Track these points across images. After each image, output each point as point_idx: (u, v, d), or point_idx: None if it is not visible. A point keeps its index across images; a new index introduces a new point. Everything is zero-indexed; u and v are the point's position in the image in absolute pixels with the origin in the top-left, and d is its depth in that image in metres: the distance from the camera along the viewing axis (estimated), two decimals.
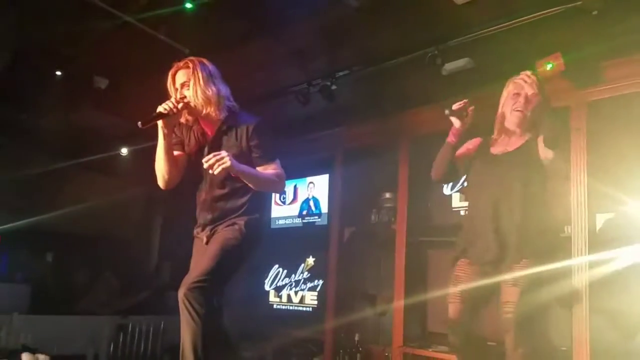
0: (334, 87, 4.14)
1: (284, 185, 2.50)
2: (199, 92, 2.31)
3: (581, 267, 3.25)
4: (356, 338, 4.46)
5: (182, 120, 2.40)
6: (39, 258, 5.80)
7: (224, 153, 2.16)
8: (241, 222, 2.36)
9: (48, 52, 4.33)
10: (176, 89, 2.37)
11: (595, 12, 2.90)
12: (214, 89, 2.35)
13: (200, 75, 2.33)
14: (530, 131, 2.48)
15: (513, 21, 3.25)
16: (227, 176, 2.32)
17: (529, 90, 2.37)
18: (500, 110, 2.56)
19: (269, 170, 2.37)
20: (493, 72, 3.66)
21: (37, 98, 4.78)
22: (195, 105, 2.32)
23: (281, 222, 5.71)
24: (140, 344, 5.17)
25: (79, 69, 4.58)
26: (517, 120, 2.46)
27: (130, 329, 5.14)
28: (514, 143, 2.48)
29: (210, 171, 2.15)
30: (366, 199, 4.86)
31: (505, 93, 2.56)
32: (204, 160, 2.16)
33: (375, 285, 4.68)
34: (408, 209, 4.37)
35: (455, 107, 2.43)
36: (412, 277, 4.26)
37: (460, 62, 3.59)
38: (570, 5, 2.95)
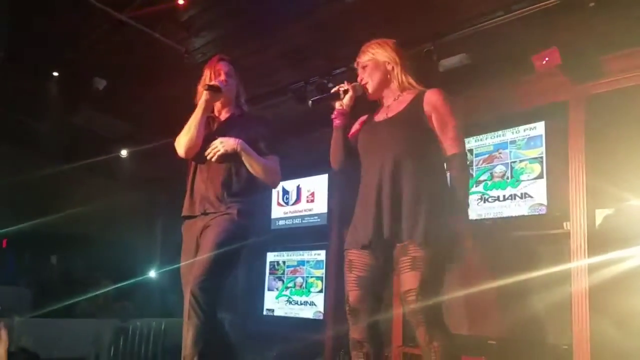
0: (330, 84, 4.11)
1: (278, 180, 2.60)
2: (233, 84, 2.61)
3: (580, 264, 3.20)
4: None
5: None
6: (39, 261, 5.81)
7: (217, 142, 2.43)
8: (234, 211, 2.40)
9: (45, 53, 4.36)
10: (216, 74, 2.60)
11: (592, 4, 2.86)
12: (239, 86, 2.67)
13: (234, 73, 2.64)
14: (410, 90, 2.21)
15: (508, 15, 3.22)
16: (224, 166, 2.45)
17: (361, 60, 2.27)
18: None
19: (272, 160, 2.53)
20: (490, 67, 3.66)
21: (35, 100, 4.80)
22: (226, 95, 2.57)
23: (281, 222, 5.69)
24: (141, 346, 5.16)
25: (76, 70, 4.59)
26: (369, 89, 2.25)
27: (130, 331, 5.12)
28: (395, 108, 2.19)
29: (209, 157, 2.42)
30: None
31: None
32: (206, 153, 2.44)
33: None
34: None
35: (318, 97, 2.34)
36: None
37: (456, 58, 3.56)
38: None
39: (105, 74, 4.60)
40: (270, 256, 5.72)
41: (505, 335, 3.51)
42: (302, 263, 5.37)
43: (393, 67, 2.23)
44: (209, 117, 2.60)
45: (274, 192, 5.84)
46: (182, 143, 2.54)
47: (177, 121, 5.57)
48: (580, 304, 3.13)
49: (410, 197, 2.00)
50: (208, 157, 2.45)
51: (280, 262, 5.60)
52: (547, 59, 3.23)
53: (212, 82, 2.52)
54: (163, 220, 6.74)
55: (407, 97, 2.19)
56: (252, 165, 2.46)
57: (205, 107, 2.51)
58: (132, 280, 5.89)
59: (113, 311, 5.37)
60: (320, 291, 5.10)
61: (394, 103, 2.22)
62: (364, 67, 2.27)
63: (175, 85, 4.73)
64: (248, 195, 2.49)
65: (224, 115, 2.65)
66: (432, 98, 2.11)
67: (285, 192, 5.71)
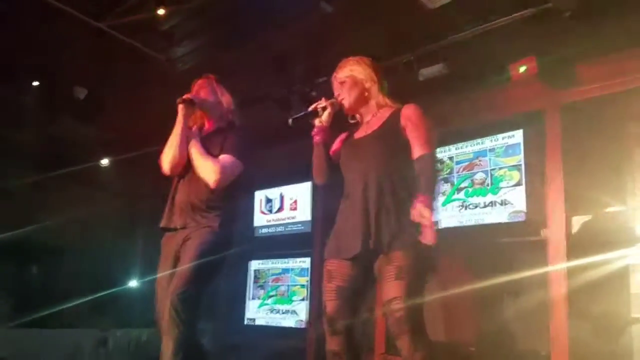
0: (313, 93, 4.13)
1: (217, 180, 2.40)
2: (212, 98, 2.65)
3: (558, 270, 3.24)
4: None
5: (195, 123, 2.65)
6: (19, 271, 5.72)
7: None
8: (215, 224, 2.39)
9: (25, 62, 4.32)
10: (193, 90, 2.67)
11: (567, 14, 2.91)
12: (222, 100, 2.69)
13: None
14: (387, 107, 2.25)
15: (486, 25, 3.26)
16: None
17: (339, 75, 2.28)
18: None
19: (222, 159, 2.44)
20: (468, 76, 3.71)
21: (15, 110, 4.75)
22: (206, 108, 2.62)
23: (264, 230, 5.68)
24: (121, 357, 5.10)
25: (57, 80, 4.56)
26: (346, 105, 2.24)
27: (111, 342, 5.06)
28: (374, 124, 2.22)
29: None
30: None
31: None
32: None
33: None
34: None
35: (297, 116, 2.28)
36: None
37: (436, 68, 3.60)
38: (541, 7, 2.96)
39: (86, 83, 4.57)
40: (254, 264, 5.70)
41: (485, 342, 3.53)
42: (286, 271, 5.36)
43: (370, 86, 2.26)
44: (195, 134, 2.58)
45: (257, 200, 5.84)
46: (165, 160, 2.55)
47: (158, 130, 5.54)
48: (558, 310, 3.17)
49: (394, 209, 2.02)
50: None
51: (264, 270, 5.59)
52: (524, 67, 3.27)
53: (185, 96, 2.52)
54: (144, 230, 6.67)
55: (385, 113, 2.22)
56: (194, 161, 2.45)
57: (182, 121, 2.51)
58: (112, 290, 5.82)
59: (93, 321, 5.30)
60: (303, 299, 5.09)
61: (373, 119, 2.25)
62: (341, 83, 2.28)
63: (156, 94, 4.72)
64: (227, 205, 2.47)
65: (209, 129, 2.65)
66: (407, 111, 2.15)
67: (268, 200, 5.71)
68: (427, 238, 1.89)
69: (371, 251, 2.03)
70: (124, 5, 3.71)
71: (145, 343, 5.20)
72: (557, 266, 3.23)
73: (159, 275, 2.45)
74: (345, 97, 2.25)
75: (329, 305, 2.10)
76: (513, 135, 3.86)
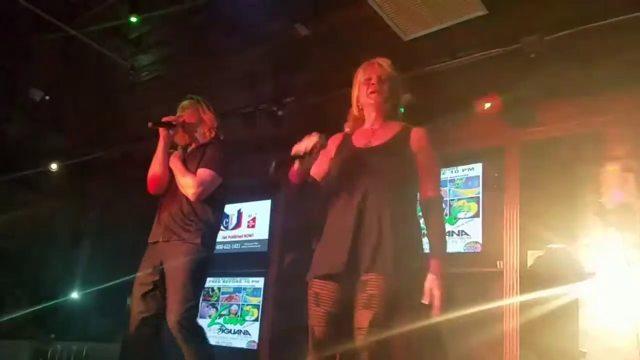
0: (280, 112, 4.14)
1: (196, 192, 2.52)
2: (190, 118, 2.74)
3: (512, 302, 3.33)
4: None
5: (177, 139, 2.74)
6: None
7: None
8: (197, 240, 2.51)
9: None
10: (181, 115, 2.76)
11: (533, 55, 3.04)
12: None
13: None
14: (397, 120, 2.16)
15: (454, 61, 3.37)
16: (183, 195, 2.55)
17: (381, 72, 2.13)
18: (354, 101, 2.25)
19: (199, 173, 2.55)
20: (434, 109, 3.80)
21: None
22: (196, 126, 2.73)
23: (219, 247, 5.57)
24: None
25: (15, 80, 4.38)
26: (373, 101, 2.12)
27: (49, 355, 4.82)
28: (381, 136, 2.09)
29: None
30: (308, 226, 4.83)
31: (356, 82, 2.25)
32: None
33: None
34: None
35: (277, 165, 2.01)
36: None
37: (404, 98, 3.66)
38: (510, 47, 3.08)
39: (44, 85, 4.41)
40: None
41: None
42: (238, 290, 5.26)
43: (399, 94, 2.21)
44: (179, 152, 2.71)
45: None
46: (149, 181, 2.67)
47: (116, 136, 5.39)
48: (511, 339, 3.25)
49: (389, 231, 1.91)
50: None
51: (215, 289, 5.47)
52: (489, 104, 3.39)
53: (164, 119, 2.63)
54: (91, 239, 6.43)
55: (394, 127, 2.11)
56: (176, 178, 2.57)
57: (162, 143, 2.63)
58: (54, 302, 5.56)
59: (32, 332, 5.04)
60: (256, 320, 5.01)
61: (379, 130, 2.12)
62: (382, 79, 2.13)
63: (118, 100, 4.62)
64: (207, 218, 2.57)
65: (191, 147, 2.76)
66: (420, 137, 2.06)
67: (225, 216, 5.61)
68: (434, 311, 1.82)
69: (357, 271, 1.90)
70: (93, 9, 3.62)
71: (86, 357, 4.98)
72: (511, 299, 3.31)
73: (138, 275, 2.59)
74: (381, 93, 2.12)
75: (317, 330, 1.98)
76: (473, 168, 3.97)
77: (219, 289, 5.44)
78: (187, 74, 4.12)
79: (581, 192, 3.60)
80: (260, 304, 5.03)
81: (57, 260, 6.14)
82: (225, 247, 5.52)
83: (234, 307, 5.22)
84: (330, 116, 4.26)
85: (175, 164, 2.60)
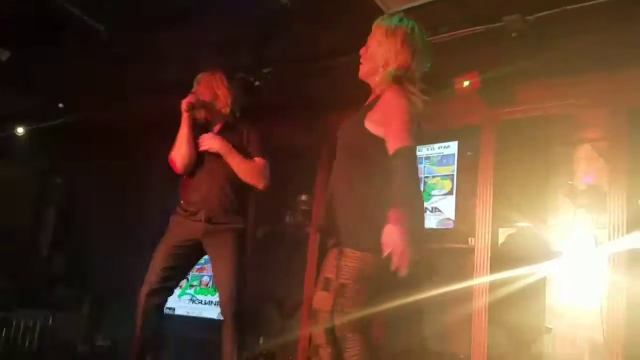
0: (257, 83, 4.05)
1: (264, 182, 2.83)
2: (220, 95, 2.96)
3: (482, 280, 3.39)
4: (260, 342, 4.38)
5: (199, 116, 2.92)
6: None
7: (205, 138, 2.81)
8: (241, 225, 2.81)
9: None
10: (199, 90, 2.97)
11: (514, 34, 3.03)
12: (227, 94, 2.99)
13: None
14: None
15: (435, 37, 3.33)
16: (224, 176, 2.77)
17: (369, 39, 2.22)
18: None
19: (261, 163, 2.81)
20: None
21: None
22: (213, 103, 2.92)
23: None
24: (25, 340, 4.76)
25: None
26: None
27: (14, 325, 4.72)
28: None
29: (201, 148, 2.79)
30: (282, 199, 4.81)
31: None
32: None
33: (285, 288, 4.63)
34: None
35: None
36: None
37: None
38: (493, 25, 3.06)
39: (9, 44, 4.21)
40: None
41: (408, 346, 3.63)
42: (209, 261, 5.22)
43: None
44: (202, 130, 2.88)
45: None
46: (176, 160, 2.84)
47: (86, 98, 5.21)
48: (479, 316, 3.31)
49: (339, 205, 1.97)
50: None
51: None
52: (467, 82, 3.38)
53: (187, 101, 2.80)
54: (57, 206, 6.28)
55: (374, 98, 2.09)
56: (237, 167, 2.74)
57: (187, 123, 2.81)
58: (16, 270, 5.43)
59: None
60: None
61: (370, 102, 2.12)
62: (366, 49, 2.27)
63: (86, 62, 4.45)
64: (245, 205, 2.83)
65: (216, 127, 2.92)
66: (382, 101, 1.98)
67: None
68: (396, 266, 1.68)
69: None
70: None
71: (52, 327, 4.90)
72: (481, 278, 3.37)
73: (172, 236, 2.80)
74: (362, 64, 2.26)
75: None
76: (448, 146, 3.99)
77: None
78: (158, 38, 3.99)
79: (553, 173, 3.66)
80: None
81: (21, 227, 5.99)
82: None
83: (205, 278, 5.19)
84: (307, 87, 4.27)
85: (235, 153, 2.76)
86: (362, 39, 3.62)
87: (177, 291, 5.31)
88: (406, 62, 2.04)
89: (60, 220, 6.16)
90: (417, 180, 1.95)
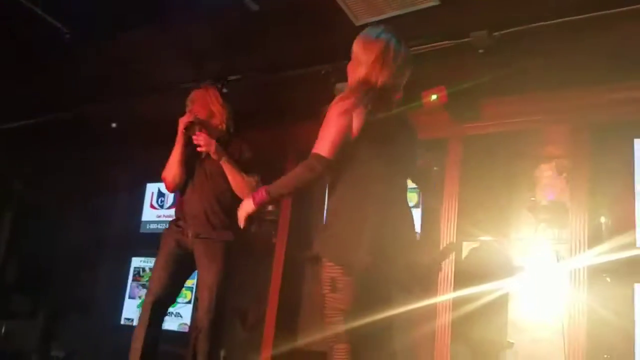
0: (224, 90, 3.99)
1: None
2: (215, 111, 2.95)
3: (445, 298, 3.38)
4: (222, 354, 4.28)
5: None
6: None
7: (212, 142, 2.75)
8: (229, 238, 2.73)
9: None
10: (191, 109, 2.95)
11: (481, 51, 3.07)
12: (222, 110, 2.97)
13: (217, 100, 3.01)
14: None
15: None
16: (213, 189, 2.76)
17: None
18: None
19: (252, 177, 2.82)
20: None
21: None
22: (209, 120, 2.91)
23: (153, 226, 5.39)
24: None
25: None
26: None
27: None
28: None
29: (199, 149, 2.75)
30: None
31: None
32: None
33: (249, 299, 4.55)
34: (290, 224, 4.32)
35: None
36: (287, 292, 4.20)
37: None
38: (459, 41, 3.09)
39: None
40: (135, 261, 5.38)
41: None
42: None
43: None
44: (193, 149, 2.82)
45: (148, 193, 5.54)
46: (167, 180, 2.82)
47: (46, 103, 5.05)
48: (442, 333, 3.30)
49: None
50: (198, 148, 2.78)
51: (147, 269, 5.28)
52: (435, 96, 3.40)
53: (187, 121, 2.79)
54: (14, 214, 6.05)
55: None
56: (235, 179, 2.75)
57: (180, 144, 2.80)
58: None
59: None
60: (189, 302, 4.88)
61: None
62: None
63: (50, 65, 4.32)
64: (234, 220, 2.60)
65: (214, 135, 2.86)
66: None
67: (160, 194, 5.44)
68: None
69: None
70: None
71: (6, 335, 4.71)
72: (445, 295, 3.36)
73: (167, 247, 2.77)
74: None
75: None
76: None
77: (150, 269, 5.25)
78: (126, 41, 3.90)
79: (516, 188, 3.71)
80: (194, 285, 4.90)
81: None
82: (159, 227, 5.33)
83: None
84: (275, 97, 4.24)
85: (232, 167, 2.76)
86: (330, 50, 3.65)
87: (136, 302, 5.19)
88: (378, 75, 2.03)
89: (16, 225, 5.95)
90: (302, 180, 1.93)
